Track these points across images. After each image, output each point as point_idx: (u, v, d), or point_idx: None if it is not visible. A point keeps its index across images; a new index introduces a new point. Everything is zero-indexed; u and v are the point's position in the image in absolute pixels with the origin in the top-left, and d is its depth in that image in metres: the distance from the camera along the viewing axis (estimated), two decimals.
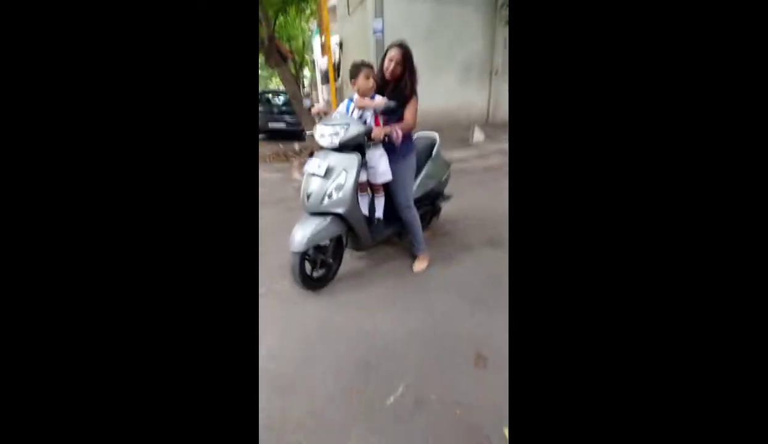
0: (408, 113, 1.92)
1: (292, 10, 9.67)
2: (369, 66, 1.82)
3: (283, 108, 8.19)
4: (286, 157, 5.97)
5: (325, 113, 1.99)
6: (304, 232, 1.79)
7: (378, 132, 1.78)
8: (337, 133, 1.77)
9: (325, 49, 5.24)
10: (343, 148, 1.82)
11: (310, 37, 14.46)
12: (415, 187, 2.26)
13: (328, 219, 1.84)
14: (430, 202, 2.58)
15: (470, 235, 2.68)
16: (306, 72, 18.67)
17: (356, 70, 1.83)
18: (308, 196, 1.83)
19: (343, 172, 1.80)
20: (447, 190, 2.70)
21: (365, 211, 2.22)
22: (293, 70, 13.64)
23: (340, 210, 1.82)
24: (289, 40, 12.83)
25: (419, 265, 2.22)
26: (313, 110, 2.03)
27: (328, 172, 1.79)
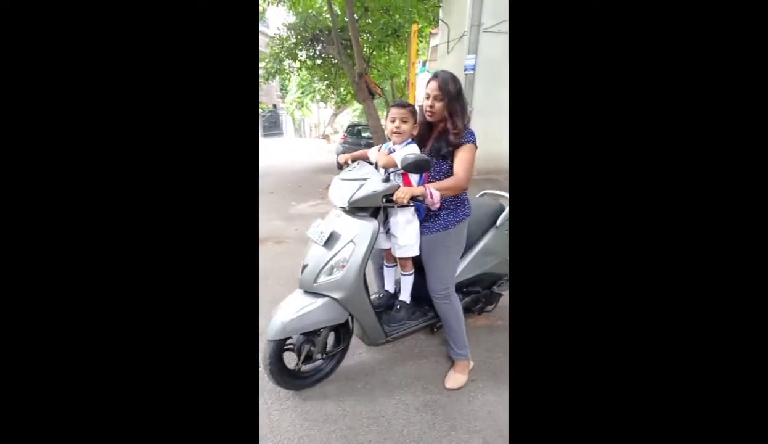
0: (458, 166, 1.34)
1: (395, 50, 10.13)
2: (402, 106, 1.35)
3: (370, 140, 8.35)
4: None
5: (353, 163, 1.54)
6: (284, 315, 1.32)
7: (402, 194, 1.24)
8: (349, 190, 1.31)
9: (409, 85, 5.10)
10: (357, 210, 1.35)
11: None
12: (463, 266, 1.64)
13: (321, 302, 1.34)
14: (486, 286, 1.87)
15: None
16: None
17: (388, 112, 1.38)
18: (303, 268, 1.37)
19: (350, 245, 1.30)
20: None
21: (390, 287, 1.67)
22: (390, 105, 14.22)
23: (336, 295, 1.32)
24: (391, 78, 13.41)
25: (454, 379, 1.55)
26: (340, 159, 1.60)
27: (330, 241, 1.33)
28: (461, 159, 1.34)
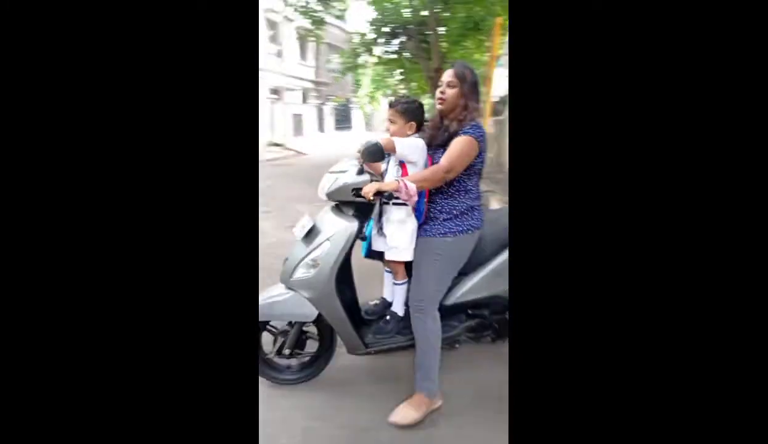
0: (444, 156, 1.22)
1: (472, 45, 9.75)
2: (390, 105, 1.31)
3: None
4: None
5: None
6: (261, 300, 1.34)
7: (369, 188, 1.15)
8: (328, 183, 1.31)
9: (486, 80, 4.91)
10: (343, 206, 1.33)
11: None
12: (469, 285, 1.41)
13: (290, 294, 1.32)
14: (497, 312, 1.51)
15: None
16: None
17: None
18: (285, 261, 1.38)
19: (326, 243, 1.27)
20: None
21: (389, 295, 1.52)
22: None
23: (306, 294, 1.29)
24: None
25: (402, 413, 1.28)
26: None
27: (309, 236, 1.31)
28: (450, 148, 1.22)
